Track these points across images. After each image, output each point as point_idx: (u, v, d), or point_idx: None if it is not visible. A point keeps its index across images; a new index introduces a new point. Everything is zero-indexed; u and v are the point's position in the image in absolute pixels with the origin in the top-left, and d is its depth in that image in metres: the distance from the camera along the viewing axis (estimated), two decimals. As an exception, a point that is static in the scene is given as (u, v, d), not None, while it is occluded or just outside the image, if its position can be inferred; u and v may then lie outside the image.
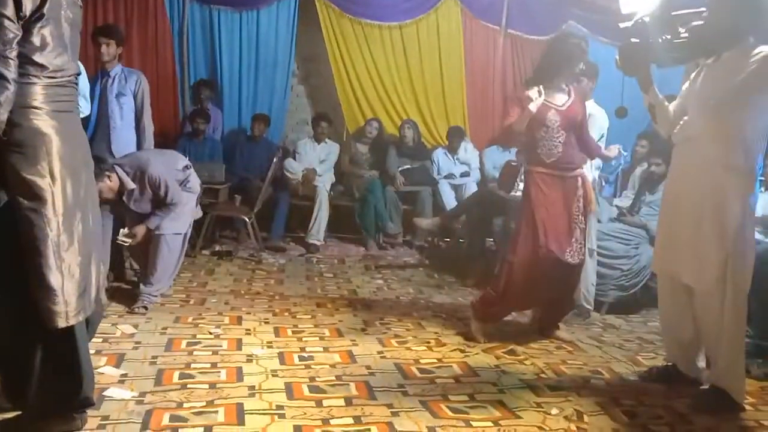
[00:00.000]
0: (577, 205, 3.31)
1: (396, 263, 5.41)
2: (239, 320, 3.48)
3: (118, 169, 3.51)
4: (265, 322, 3.47)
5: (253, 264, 5.03)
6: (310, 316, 3.65)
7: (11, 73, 1.76)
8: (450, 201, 5.95)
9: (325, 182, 5.93)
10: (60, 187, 1.90)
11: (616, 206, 4.65)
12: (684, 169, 2.67)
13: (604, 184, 5.27)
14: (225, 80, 6.33)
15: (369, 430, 2.24)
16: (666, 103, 2.76)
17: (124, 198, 3.56)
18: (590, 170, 3.88)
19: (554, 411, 2.49)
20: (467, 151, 6.35)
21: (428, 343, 3.27)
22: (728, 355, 2.51)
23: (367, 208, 5.89)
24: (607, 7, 5.97)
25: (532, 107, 3.17)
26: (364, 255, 5.64)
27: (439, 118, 6.64)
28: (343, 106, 6.55)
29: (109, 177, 3.44)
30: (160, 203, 3.60)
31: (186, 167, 3.89)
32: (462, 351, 3.17)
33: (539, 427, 2.35)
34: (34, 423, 2.03)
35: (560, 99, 3.29)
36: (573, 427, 2.37)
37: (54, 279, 1.88)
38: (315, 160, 6.11)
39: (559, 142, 3.26)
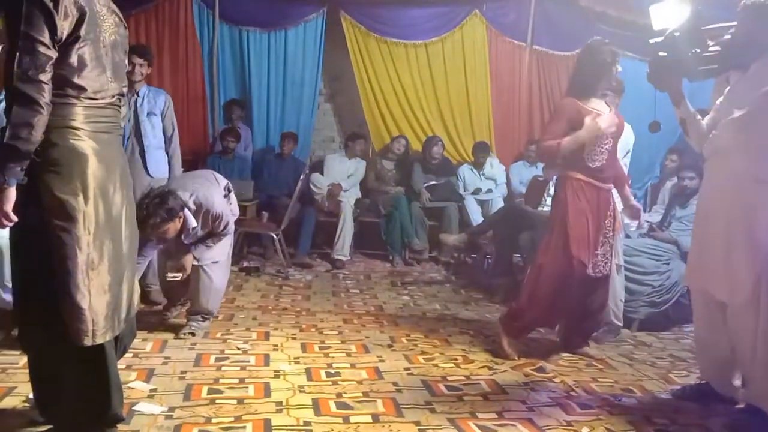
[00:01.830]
0: (609, 219, 3.27)
1: (422, 279, 5.39)
2: (267, 336, 3.50)
3: (186, 212, 3.28)
4: (293, 338, 3.48)
5: (280, 280, 5.06)
6: (336, 332, 3.66)
7: (44, 97, 1.77)
8: (476, 217, 5.94)
9: (349, 198, 5.96)
10: (92, 207, 1.92)
11: (646, 221, 4.59)
12: (715, 183, 2.64)
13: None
14: (254, 99, 6.43)
15: (396, 447, 2.23)
16: (698, 117, 2.74)
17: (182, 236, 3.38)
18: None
19: (585, 430, 2.45)
20: (493, 166, 6.34)
21: (455, 360, 3.25)
22: (764, 373, 2.45)
23: (392, 224, 5.91)
24: (633, 23, 5.97)
25: (602, 122, 3.13)
26: (390, 271, 5.65)
27: (464, 134, 6.64)
28: (369, 123, 6.60)
29: (179, 218, 3.23)
30: (212, 234, 3.46)
31: (229, 190, 3.72)
32: (490, 368, 3.14)
33: (569, 446, 2.31)
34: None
35: (604, 107, 3.27)
36: (604, 446, 2.33)
37: (82, 298, 1.89)
38: (342, 174, 6.15)
39: (606, 149, 3.24)
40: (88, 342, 1.91)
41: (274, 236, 5.33)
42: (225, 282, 3.68)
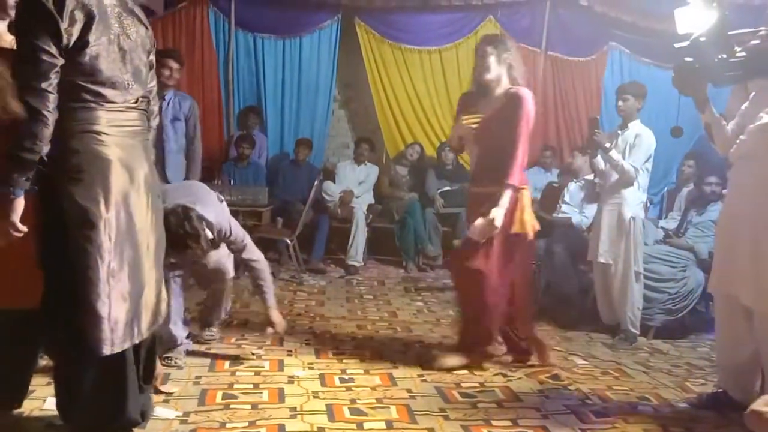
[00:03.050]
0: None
1: (435, 285, 5.38)
2: (281, 341, 3.51)
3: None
4: (306, 344, 3.49)
5: (294, 285, 5.08)
6: (350, 338, 3.66)
7: (47, 106, 1.73)
8: (490, 223, 5.91)
9: (362, 204, 5.97)
10: (114, 214, 1.89)
11: (662, 228, 4.55)
12: (741, 189, 2.62)
13: (649, 205, 5.17)
14: (269, 106, 6.47)
15: (410, 453, 2.22)
16: (723, 122, 2.72)
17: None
18: (637, 191, 3.83)
19: (600, 438, 2.43)
20: (507, 172, 6.30)
21: (470, 366, 3.24)
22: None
23: (406, 230, 5.90)
24: (648, 28, 5.94)
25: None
26: (403, 277, 5.64)
27: (479, 140, 6.63)
28: (383, 130, 6.61)
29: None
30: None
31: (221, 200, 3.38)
32: (504, 375, 3.13)
33: (584, 455, 2.29)
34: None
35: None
36: (620, 454, 2.31)
37: (102, 306, 1.88)
38: (354, 181, 6.17)
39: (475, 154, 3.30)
40: (107, 350, 1.90)
41: (289, 242, 5.35)
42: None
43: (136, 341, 2.01)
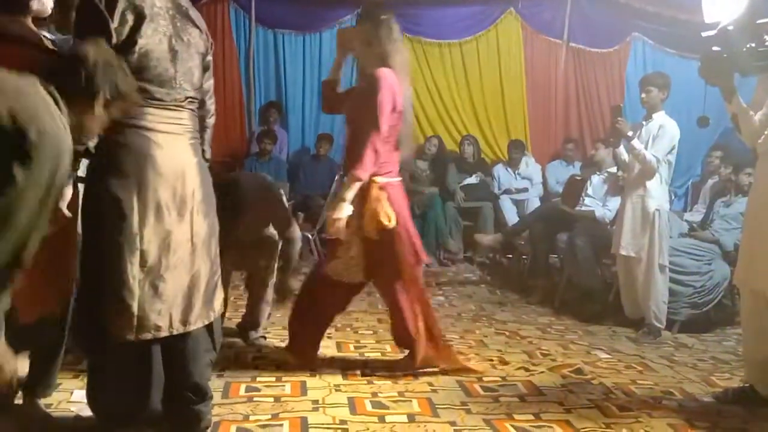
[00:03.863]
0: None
1: (457, 279, 5.37)
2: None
3: None
4: (328, 337, 3.50)
5: (315, 280, 5.09)
6: (371, 332, 3.67)
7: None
8: (512, 217, 5.89)
9: (384, 199, 5.96)
10: (149, 206, 1.92)
11: (687, 221, 4.49)
12: (768, 180, 2.57)
13: (673, 197, 5.11)
14: (289, 101, 6.51)
15: (432, 446, 2.23)
16: (751, 113, 2.67)
17: None
18: (661, 184, 3.78)
19: (624, 432, 2.41)
20: (528, 165, 6.28)
21: (491, 360, 3.23)
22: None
23: (427, 224, 5.89)
24: (674, 18, 5.85)
25: None
26: (424, 271, 5.60)
27: (499, 133, 6.60)
28: (403, 123, 6.59)
29: None
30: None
31: None
32: (526, 369, 3.11)
33: (608, 449, 2.28)
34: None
35: None
36: (644, 449, 2.29)
37: (129, 295, 1.91)
38: (376, 177, 6.16)
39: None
40: (130, 337, 1.93)
41: (310, 237, 5.37)
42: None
43: (169, 333, 2.00)
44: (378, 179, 2.73)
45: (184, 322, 2.02)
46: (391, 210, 2.72)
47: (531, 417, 2.52)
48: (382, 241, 2.74)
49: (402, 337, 2.99)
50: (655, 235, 3.76)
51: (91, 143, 1.84)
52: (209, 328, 2.13)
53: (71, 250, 2.14)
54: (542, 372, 3.09)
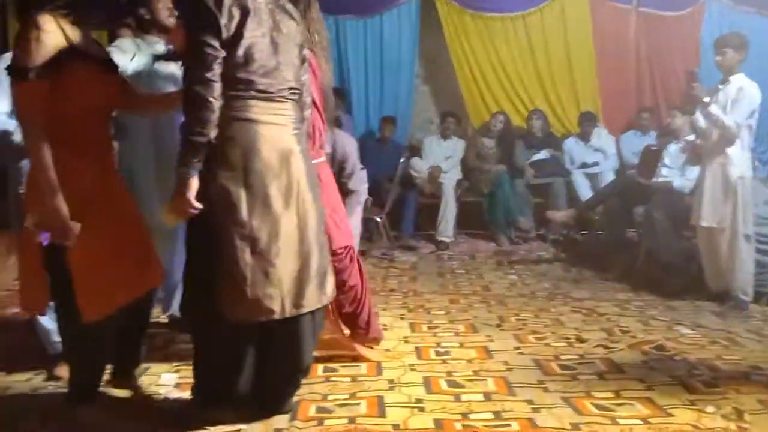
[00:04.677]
0: None
1: (529, 258, 5.29)
2: (376, 316, 3.57)
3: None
4: (401, 318, 3.54)
5: (386, 262, 5.14)
6: (444, 312, 3.68)
7: (213, 94, 1.91)
8: (585, 191, 5.73)
9: (450, 179, 5.93)
10: (257, 194, 2.00)
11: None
12: None
13: (757, 164, 4.84)
14: (353, 86, 6.54)
15: (509, 425, 2.22)
16: None
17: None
18: (742, 150, 3.59)
19: (710, 409, 2.32)
20: (601, 137, 6.08)
21: (568, 339, 3.17)
22: None
23: (495, 203, 5.83)
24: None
25: None
26: (495, 251, 5.58)
27: (569, 105, 6.42)
28: (467, 102, 6.52)
29: None
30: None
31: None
32: (605, 347, 3.04)
33: (694, 426, 2.20)
34: (193, 410, 2.21)
35: None
36: (732, 426, 2.20)
37: (243, 280, 1.99)
38: (440, 156, 6.14)
39: None
40: (245, 319, 2.03)
41: (378, 220, 5.42)
42: None
43: (278, 317, 2.06)
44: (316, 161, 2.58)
45: (297, 305, 2.09)
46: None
47: (611, 394, 2.47)
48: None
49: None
50: (739, 203, 3.58)
51: (212, 134, 1.93)
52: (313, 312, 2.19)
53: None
54: (622, 349, 3.01)
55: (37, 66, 1.92)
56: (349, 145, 3.62)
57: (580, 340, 3.12)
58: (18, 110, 2.06)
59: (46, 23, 1.95)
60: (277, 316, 2.06)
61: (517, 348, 3.03)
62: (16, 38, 2.02)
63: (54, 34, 1.96)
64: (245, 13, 1.98)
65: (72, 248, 2.00)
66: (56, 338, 2.47)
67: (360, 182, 3.65)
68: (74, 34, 2.02)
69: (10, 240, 3.82)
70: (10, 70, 1.98)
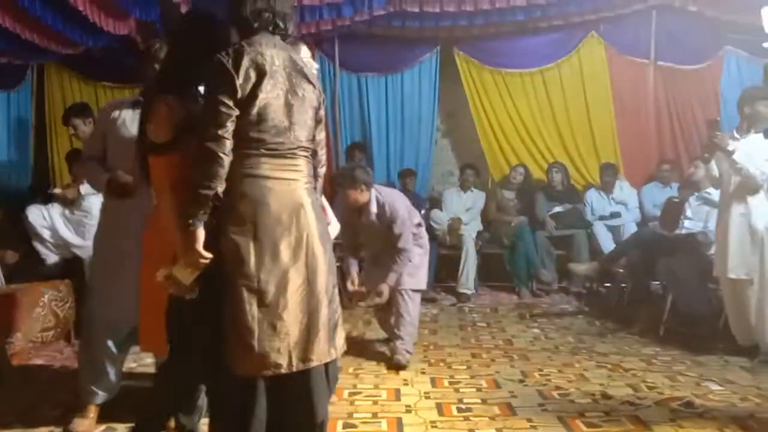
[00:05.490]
0: None
1: (552, 311, 5.22)
2: (396, 370, 3.54)
3: (374, 191, 3.77)
4: (422, 373, 3.50)
5: (407, 315, 5.10)
6: (465, 367, 3.63)
7: (224, 150, 1.98)
8: (607, 243, 5.68)
9: (470, 231, 5.94)
10: (265, 248, 2.03)
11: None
12: None
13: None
14: (374, 139, 6.66)
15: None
16: None
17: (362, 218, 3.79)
18: (766, 199, 3.55)
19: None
20: (623, 189, 6.07)
21: (593, 395, 3.10)
22: None
23: (517, 255, 5.80)
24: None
25: None
26: (517, 303, 5.52)
27: (588, 157, 6.44)
28: (487, 155, 6.59)
29: (362, 189, 3.72)
30: (391, 247, 3.74)
31: (419, 225, 4.10)
32: (632, 404, 2.97)
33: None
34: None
35: None
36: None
37: (250, 334, 2.00)
38: (461, 208, 6.16)
39: None
40: (253, 373, 2.02)
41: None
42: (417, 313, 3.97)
43: (285, 371, 2.05)
44: None
45: (305, 359, 2.08)
46: None
47: (638, 454, 2.39)
48: None
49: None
50: (766, 254, 3.52)
51: (220, 188, 1.99)
52: (326, 366, 2.17)
53: None
54: (649, 406, 2.94)
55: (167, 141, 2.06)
56: (397, 201, 3.85)
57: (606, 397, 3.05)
58: (154, 182, 2.15)
59: (175, 103, 2.10)
60: (284, 370, 2.04)
61: (541, 404, 2.97)
62: (147, 115, 2.14)
63: (178, 111, 2.10)
64: (261, 74, 2.04)
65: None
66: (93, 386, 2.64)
67: (410, 240, 3.85)
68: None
69: (33, 290, 3.91)
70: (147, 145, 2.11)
